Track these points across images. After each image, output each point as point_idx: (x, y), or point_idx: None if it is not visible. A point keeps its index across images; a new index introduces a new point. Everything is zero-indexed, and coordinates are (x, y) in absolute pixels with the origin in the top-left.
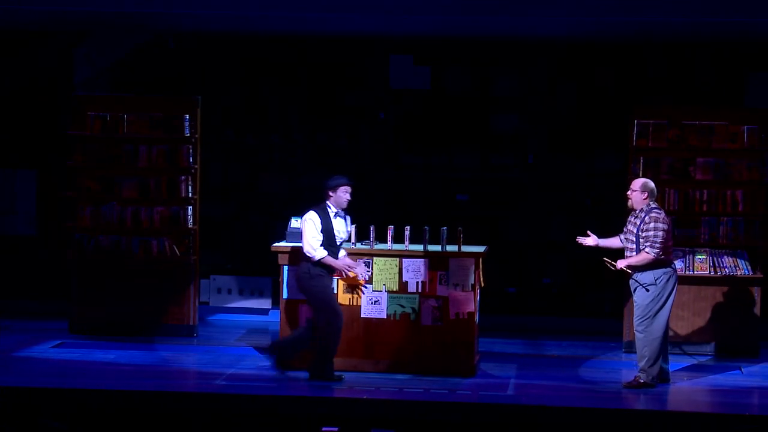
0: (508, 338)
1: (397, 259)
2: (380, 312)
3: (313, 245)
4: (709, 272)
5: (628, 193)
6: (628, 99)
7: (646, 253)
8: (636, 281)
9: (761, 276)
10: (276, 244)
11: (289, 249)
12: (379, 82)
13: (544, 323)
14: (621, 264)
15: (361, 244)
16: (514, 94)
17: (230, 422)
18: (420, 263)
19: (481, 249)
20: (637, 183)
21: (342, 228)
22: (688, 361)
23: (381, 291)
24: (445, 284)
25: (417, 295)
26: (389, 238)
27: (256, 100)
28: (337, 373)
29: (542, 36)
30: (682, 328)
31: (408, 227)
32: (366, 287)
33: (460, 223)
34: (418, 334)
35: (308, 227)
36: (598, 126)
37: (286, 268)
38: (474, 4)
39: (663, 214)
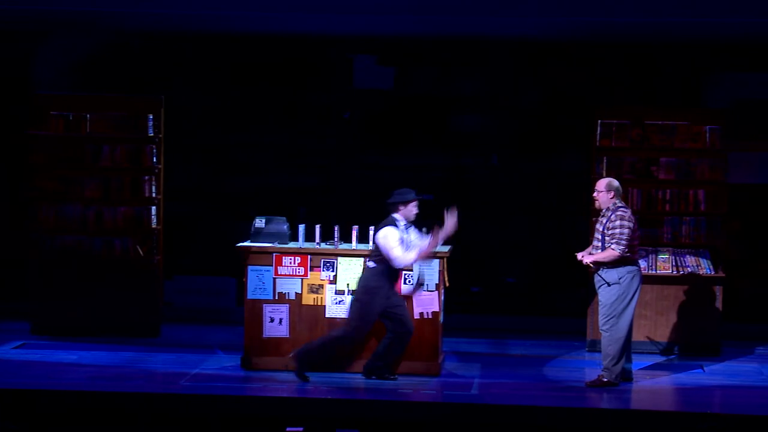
0: (473, 338)
1: (362, 259)
2: (345, 312)
3: (403, 255)
4: (672, 271)
5: (594, 195)
6: (591, 99)
7: (612, 249)
8: (601, 278)
9: (723, 275)
10: (240, 243)
11: (253, 249)
12: (343, 82)
13: (508, 323)
14: (587, 260)
15: (326, 244)
16: (478, 94)
17: (194, 422)
18: None
19: (445, 249)
20: (602, 183)
21: (413, 237)
22: (650, 360)
23: (345, 291)
24: (410, 284)
25: None
26: (354, 237)
27: (220, 100)
28: (306, 374)
29: (505, 36)
30: (644, 327)
31: (373, 227)
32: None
33: (425, 222)
34: (383, 333)
35: (392, 241)
36: (561, 126)
37: (250, 268)
38: (438, 5)
39: (629, 212)
